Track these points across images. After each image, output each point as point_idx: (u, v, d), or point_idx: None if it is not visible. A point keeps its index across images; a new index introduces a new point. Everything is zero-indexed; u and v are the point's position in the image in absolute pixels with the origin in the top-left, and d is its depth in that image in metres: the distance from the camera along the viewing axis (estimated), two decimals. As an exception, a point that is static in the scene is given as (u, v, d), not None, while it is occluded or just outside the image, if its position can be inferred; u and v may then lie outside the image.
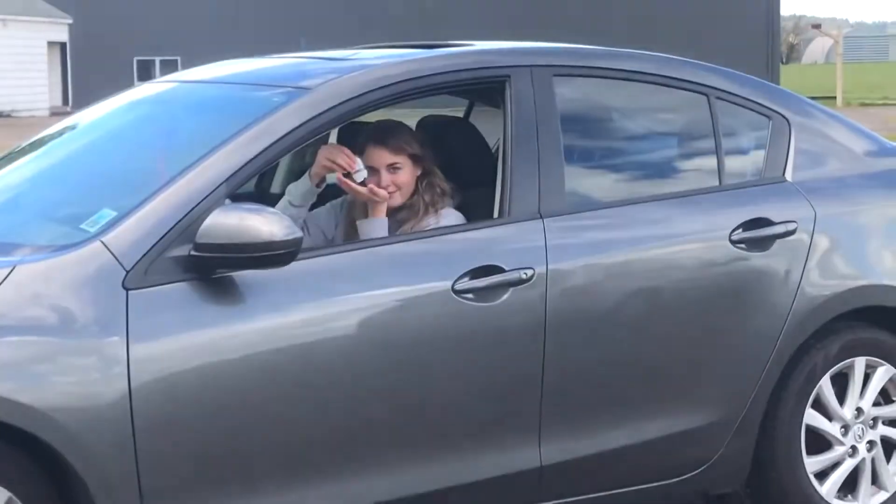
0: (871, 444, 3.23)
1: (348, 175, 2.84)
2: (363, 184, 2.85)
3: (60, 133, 3.48)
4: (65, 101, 31.98)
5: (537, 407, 2.80)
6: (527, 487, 2.87)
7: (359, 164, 2.82)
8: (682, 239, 3.03)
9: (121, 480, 2.42)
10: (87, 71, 31.30)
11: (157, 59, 33.43)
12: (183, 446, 2.49)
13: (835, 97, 26.44)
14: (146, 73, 32.20)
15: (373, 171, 2.89)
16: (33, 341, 2.40)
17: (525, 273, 2.69)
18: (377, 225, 2.82)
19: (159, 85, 3.70)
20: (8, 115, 27.60)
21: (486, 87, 3.13)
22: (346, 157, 2.82)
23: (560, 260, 2.78)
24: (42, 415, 2.31)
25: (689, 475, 3.03)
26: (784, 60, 45.87)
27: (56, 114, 27.70)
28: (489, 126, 3.29)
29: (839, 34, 34.72)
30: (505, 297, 2.69)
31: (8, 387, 2.28)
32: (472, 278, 2.66)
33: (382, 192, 2.85)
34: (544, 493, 2.88)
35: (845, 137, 3.38)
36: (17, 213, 2.97)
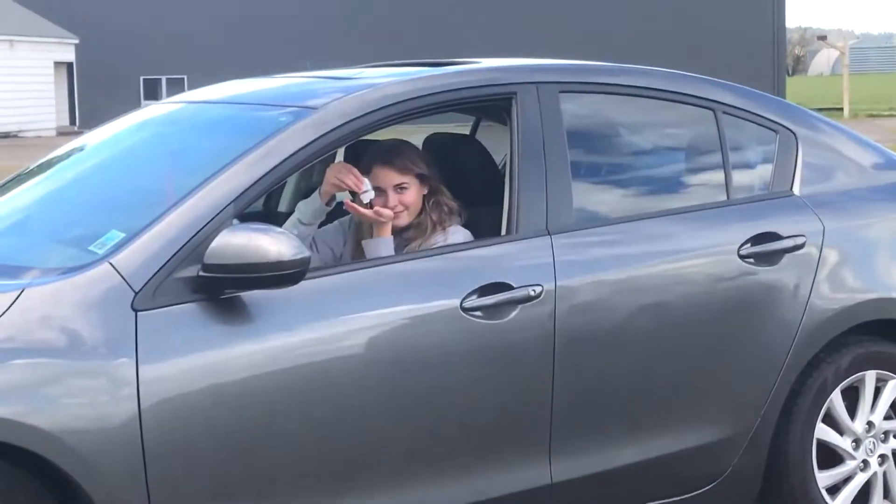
0: (882, 458, 3.21)
1: (354, 195, 2.86)
2: (371, 204, 2.87)
3: (68, 154, 3.50)
4: (72, 121, 32.40)
5: (548, 424, 2.79)
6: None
7: (366, 184, 2.83)
8: (691, 254, 3.03)
9: (131, 502, 2.42)
10: (94, 90, 31.70)
11: (164, 78, 33.89)
12: (193, 467, 2.48)
13: (842, 108, 26.66)
14: (152, 92, 32.89)
15: (380, 191, 2.91)
16: (43, 364, 2.40)
17: (534, 290, 2.69)
18: (382, 245, 2.84)
19: (166, 105, 3.70)
20: (15, 136, 27.88)
21: (492, 104, 3.13)
22: (353, 178, 2.84)
23: (568, 276, 2.78)
24: (51, 437, 2.31)
25: (700, 491, 3.02)
26: (790, 72, 46.19)
27: (63, 133, 28.02)
28: (495, 141, 3.29)
29: (845, 45, 34.86)
30: (514, 314, 2.69)
31: (17, 409, 2.29)
32: (480, 296, 2.65)
33: (387, 213, 2.87)
34: None
35: (852, 151, 3.38)
36: (26, 236, 2.99)
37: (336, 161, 3.13)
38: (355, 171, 2.88)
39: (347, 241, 2.98)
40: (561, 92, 2.97)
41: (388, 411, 2.66)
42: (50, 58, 31.27)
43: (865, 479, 3.19)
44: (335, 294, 2.66)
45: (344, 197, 2.99)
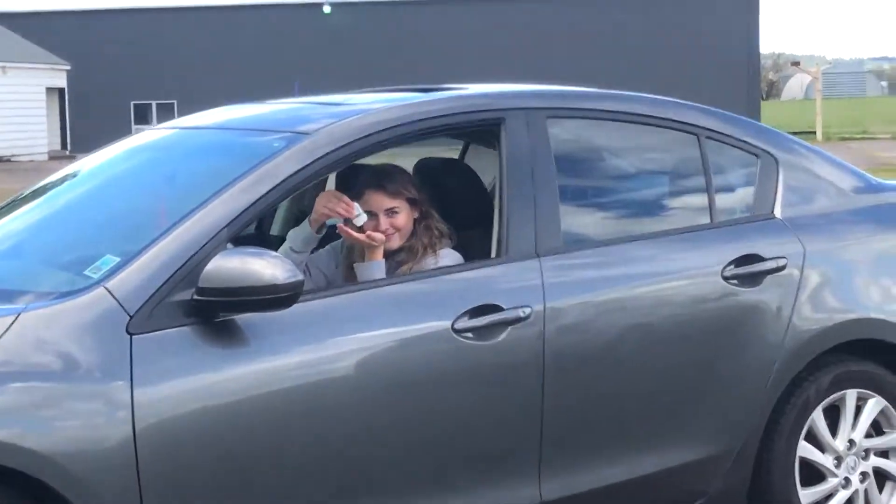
0: (863, 475, 3.25)
1: (347, 220, 2.88)
2: (362, 227, 2.90)
3: (63, 180, 3.51)
4: (63, 145, 33.03)
5: (537, 443, 2.82)
6: None
7: (357, 209, 2.86)
8: (676, 276, 3.07)
9: None
10: (85, 115, 32.35)
11: (154, 103, 34.68)
12: (187, 489, 2.49)
13: (814, 132, 27.23)
14: (143, 117, 34.11)
15: (371, 214, 2.94)
16: (38, 387, 2.41)
17: (523, 311, 2.72)
18: (374, 268, 2.87)
19: (159, 131, 3.75)
20: (8, 160, 28.20)
21: (481, 129, 3.17)
22: (343, 205, 2.86)
23: (557, 298, 2.81)
24: (47, 460, 2.32)
25: None
26: (764, 97, 47.33)
27: (55, 158, 28.99)
28: (484, 164, 3.35)
29: (818, 71, 35.81)
30: (503, 335, 2.71)
31: (13, 432, 2.30)
32: (471, 317, 2.68)
33: (378, 236, 2.90)
34: None
35: (832, 174, 3.43)
36: (22, 260, 3.01)
37: (328, 186, 3.15)
38: (345, 197, 2.90)
39: (340, 264, 3.01)
40: (549, 117, 3.01)
41: (379, 431, 2.68)
42: (42, 83, 31.88)
43: (847, 497, 3.21)
44: (328, 317, 2.68)
45: (335, 222, 3.02)
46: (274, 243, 3.17)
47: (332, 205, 2.87)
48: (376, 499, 2.69)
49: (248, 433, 2.56)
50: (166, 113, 30.38)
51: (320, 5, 35.47)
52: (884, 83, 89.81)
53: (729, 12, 33.55)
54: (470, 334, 2.70)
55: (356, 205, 2.87)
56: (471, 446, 2.80)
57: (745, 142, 3.30)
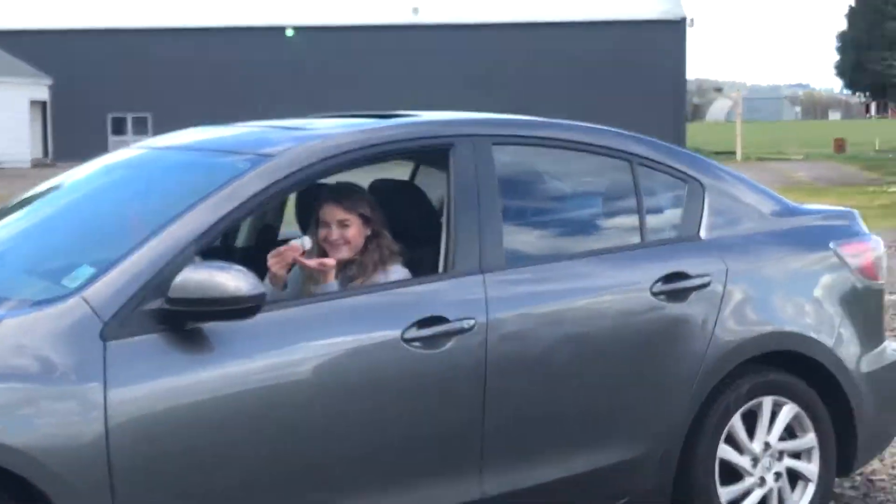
0: (777, 475, 3.45)
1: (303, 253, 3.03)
2: (312, 250, 3.07)
3: (42, 193, 3.62)
4: (45, 153, 35.81)
5: (479, 444, 2.98)
6: None
7: (298, 242, 3.07)
8: (609, 291, 3.25)
9: None
10: (66, 126, 35.13)
11: (130, 116, 37.81)
12: (155, 482, 2.64)
13: (735, 152, 28.95)
14: (119, 129, 37.31)
15: (326, 224, 3.11)
16: (17, 388, 2.53)
17: (467, 323, 2.90)
18: (328, 289, 3.06)
19: (134, 150, 3.89)
20: None
21: (431, 154, 3.35)
22: (289, 251, 3.03)
23: (499, 311, 2.98)
24: (25, 455, 2.46)
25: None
26: (689, 119, 48.92)
27: (37, 165, 32.32)
28: (433, 184, 3.55)
29: (738, 96, 39.35)
30: (449, 344, 2.88)
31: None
32: (419, 328, 2.85)
33: (329, 262, 3.04)
34: None
35: (753, 199, 3.63)
36: (2, 269, 3.11)
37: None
38: (283, 248, 3.08)
39: (302, 280, 3.20)
40: (494, 144, 3.18)
41: (333, 432, 2.82)
42: (26, 96, 34.86)
43: (762, 495, 3.41)
44: (288, 326, 2.83)
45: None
46: (238, 255, 3.29)
47: (280, 258, 3.04)
48: (329, 493, 2.83)
49: (212, 432, 2.69)
50: (141, 125, 34.18)
51: (283, 28, 38.26)
52: (798, 108, 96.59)
53: (659, 44, 36.11)
54: (418, 343, 2.86)
55: (294, 241, 3.08)
56: (418, 446, 2.95)
57: (674, 168, 3.48)
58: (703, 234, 3.46)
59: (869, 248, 3.84)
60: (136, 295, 2.67)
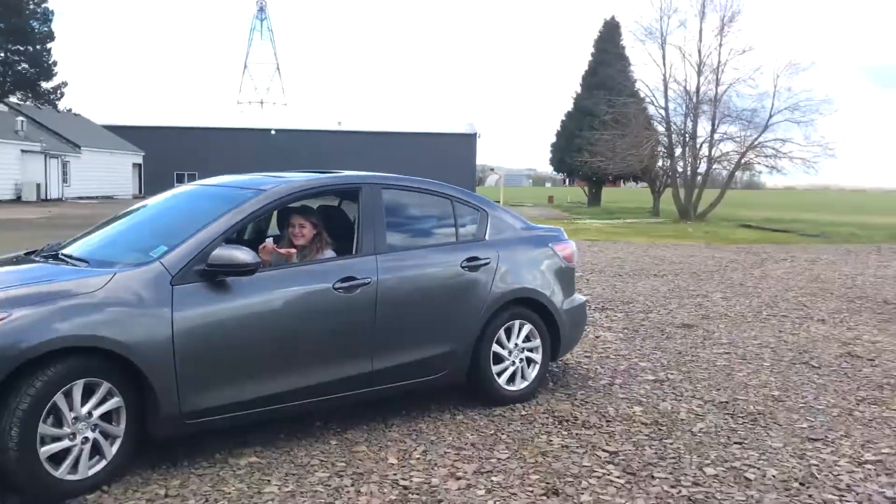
0: (525, 360, 5.21)
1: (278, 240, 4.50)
2: (283, 240, 4.47)
3: (137, 209, 4.99)
4: (139, 191, 54.30)
5: (370, 342, 4.46)
6: (364, 379, 4.46)
7: (270, 240, 4.51)
8: (440, 265, 4.89)
9: (168, 381, 3.69)
10: (150, 178, 55.08)
11: (186, 173, 58.95)
12: (199, 360, 3.79)
13: (500, 201, 38.35)
14: (180, 179, 54.61)
15: (292, 226, 4.63)
16: (125, 310, 3.61)
17: (368, 280, 4.41)
18: (293, 263, 4.46)
19: (187, 186, 5.23)
20: (112, 198, 47.38)
21: (350, 192, 4.90)
22: (269, 245, 4.37)
23: (384, 274, 4.52)
24: (129, 347, 3.57)
25: (440, 374, 4.86)
26: (478, 184, 78.55)
27: (136, 197, 46.35)
28: (351, 208, 5.13)
29: (502, 176, 62.89)
30: (357, 291, 4.35)
31: (114, 331, 3.49)
32: (341, 282, 4.30)
33: (292, 251, 4.41)
34: (374, 382, 4.54)
35: (512, 220, 5.49)
36: (116, 248, 4.44)
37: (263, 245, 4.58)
38: (265, 244, 4.38)
39: (277, 259, 4.58)
40: (382, 188, 4.78)
41: (294, 336, 4.14)
42: (129, 161, 55.14)
43: (513, 371, 5.20)
44: (272, 280, 4.14)
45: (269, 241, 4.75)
46: (246, 243, 4.75)
47: (266, 249, 4.32)
48: (296, 369, 4.13)
49: (229, 332, 3.85)
50: (192, 178, 51.99)
51: (269, 130, 64.51)
52: (530, 181, 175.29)
53: (461, 146, 56.61)
54: (341, 291, 4.27)
55: (269, 239, 4.50)
56: (339, 342, 4.33)
57: (473, 203, 5.28)
58: (486, 237, 5.23)
59: (569, 247, 5.72)
60: (190, 262, 3.81)
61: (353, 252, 4.55)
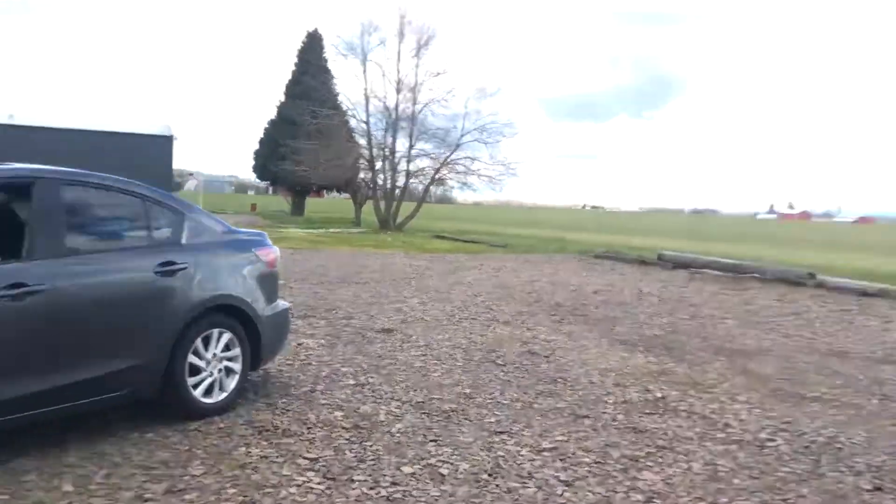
0: (220, 370, 5.23)
1: None
2: None
3: None
4: None
5: (46, 355, 4.18)
6: (38, 399, 4.18)
7: None
8: (130, 271, 4.71)
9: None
10: None
11: None
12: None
13: (200, 205, 38.21)
14: None
15: None
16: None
17: (41, 287, 4.16)
18: None
19: None
20: None
21: (20, 188, 4.50)
22: None
23: (62, 280, 4.27)
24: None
25: (128, 391, 4.69)
26: (174, 189, 67.34)
27: None
28: (24, 206, 4.80)
29: (200, 181, 64.66)
30: (27, 300, 4.10)
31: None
32: (6, 289, 4.03)
33: None
34: (50, 402, 4.25)
35: (211, 223, 5.44)
36: None
37: None
38: None
39: None
40: (63, 184, 4.48)
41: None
42: None
43: (211, 381, 5.19)
44: None
45: None
46: None
47: None
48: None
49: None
50: None
51: None
52: (233, 188, 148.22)
53: (157, 148, 49.72)
54: (6, 299, 4.00)
55: None
56: (4, 360, 4.05)
57: (168, 204, 5.14)
58: (184, 241, 5.12)
59: (272, 252, 5.80)
60: None
61: (23, 255, 4.23)
